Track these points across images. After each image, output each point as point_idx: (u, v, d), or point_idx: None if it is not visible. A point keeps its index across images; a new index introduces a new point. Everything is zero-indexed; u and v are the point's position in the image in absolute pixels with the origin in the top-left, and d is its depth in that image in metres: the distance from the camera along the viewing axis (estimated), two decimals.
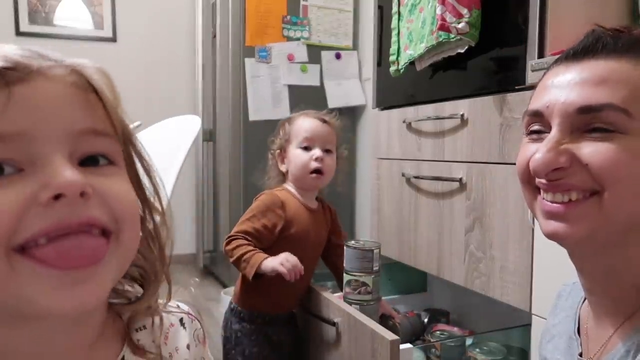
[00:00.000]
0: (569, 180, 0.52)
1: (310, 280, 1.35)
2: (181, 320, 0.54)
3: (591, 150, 0.51)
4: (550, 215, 0.54)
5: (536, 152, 0.54)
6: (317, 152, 1.25)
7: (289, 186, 1.30)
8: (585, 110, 0.51)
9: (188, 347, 0.53)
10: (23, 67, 0.36)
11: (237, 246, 1.17)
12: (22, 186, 0.35)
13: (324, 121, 1.29)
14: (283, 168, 1.31)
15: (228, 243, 1.19)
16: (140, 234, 0.44)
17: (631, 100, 0.50)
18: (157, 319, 0.50)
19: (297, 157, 1.26)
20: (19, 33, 2.82)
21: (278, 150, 1.32)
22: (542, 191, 0.56)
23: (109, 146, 0.40)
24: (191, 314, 0.56)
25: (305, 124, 1.28)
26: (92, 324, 0.44)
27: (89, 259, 0.37)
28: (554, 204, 0.54)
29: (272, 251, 1.20)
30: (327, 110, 1.36)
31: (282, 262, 1.14)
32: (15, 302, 0.36)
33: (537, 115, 0.56)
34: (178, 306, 0.55)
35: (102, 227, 0.38)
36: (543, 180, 0.55)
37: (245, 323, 1.25)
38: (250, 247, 1.17)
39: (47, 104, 0.37)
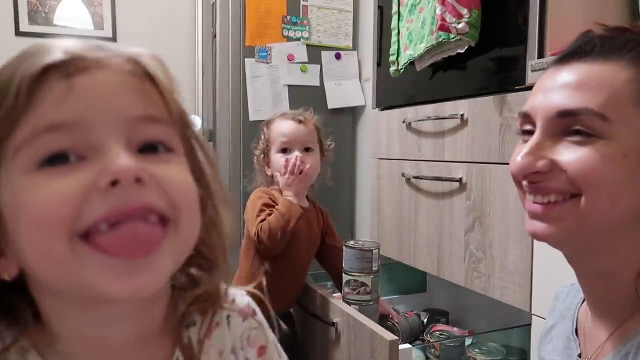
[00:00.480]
0: (548, 183, 0.53)
1: (305, 279, 1.35)
2: (228, 317, 0.50)
3: (570, 156, 0.51)
4: (533, 215, 0.56)
5: (517, 155, 0.55)
6: (296, 154, 1.26)
7: (278, 186, 1.30)
8: (564, 114, 0.52)
9: (233, 350, 0.49)
10: (82, 58, 0.38)
11: (267, 222, 1.19)
12: (84, 173, 0.36)
13: (300, 121, 1.29)
14: (269, 172, 1.32)
15: (263, 231, 1.19)
16: (200, 222, 0.43)
17: (609, 104, 0.50)
18: (207, 317, 0.47)
19: (278, 162, 1.28)
20: (18, 33, 2.82)
21: (262, 155, 1.33)
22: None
23: (166, 133, 0.41)
24: (245, 312, 0.51)
25: (282, 127, 1.29)
26: (155, 312, 0.44)
27: (144, 247, 0.37)
28: (535, 204, 0.55)
29: (264, 251, 1.21)
30: (303, 107, 1.36)
31: (286, 182, 1.21)
32: (77, 286, 0.37)
33: (526, 117, 0.57)
34: (234, 300, 0.51)
35: (160, 214, 0.38)
36: (525, 182, 0.56)
37: None
38: (266, 215, 1.20)
39: (105, 92, 0.38)
